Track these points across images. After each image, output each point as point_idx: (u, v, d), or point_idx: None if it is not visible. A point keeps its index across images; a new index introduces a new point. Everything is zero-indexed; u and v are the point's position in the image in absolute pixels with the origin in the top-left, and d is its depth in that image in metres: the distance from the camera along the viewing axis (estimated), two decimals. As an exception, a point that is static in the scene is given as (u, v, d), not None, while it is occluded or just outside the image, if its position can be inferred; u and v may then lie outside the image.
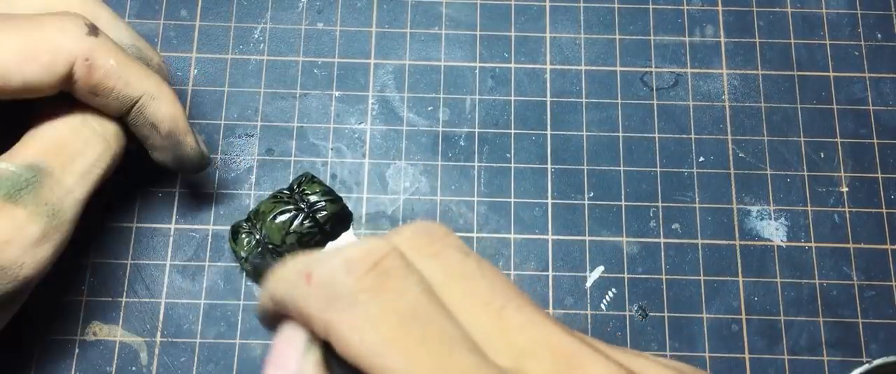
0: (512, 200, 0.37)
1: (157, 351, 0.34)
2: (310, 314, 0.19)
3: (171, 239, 0.36)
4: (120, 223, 0.36)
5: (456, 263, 0.19)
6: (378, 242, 0.19)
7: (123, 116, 0.29)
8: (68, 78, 0.27)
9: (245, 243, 0.34)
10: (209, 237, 0.36)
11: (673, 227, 0.37)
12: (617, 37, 0.40)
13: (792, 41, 0.40)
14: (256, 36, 0.40)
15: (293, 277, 0.19)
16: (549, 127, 0.38)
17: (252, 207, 0.37)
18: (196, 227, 0.36)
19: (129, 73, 0.28)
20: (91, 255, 0.36)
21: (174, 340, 0.35)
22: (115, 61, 0.28)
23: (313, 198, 0.34)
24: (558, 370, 0.17)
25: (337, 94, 0.39)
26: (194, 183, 0.37)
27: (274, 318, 0.21)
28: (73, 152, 0.28)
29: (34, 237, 0.27)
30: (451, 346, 0.17)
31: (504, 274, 0.20)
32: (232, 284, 0.36)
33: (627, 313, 0.36)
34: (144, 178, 0.37)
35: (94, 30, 0.28)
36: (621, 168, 0.38)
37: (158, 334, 0.35)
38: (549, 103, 0.39)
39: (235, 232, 0.34)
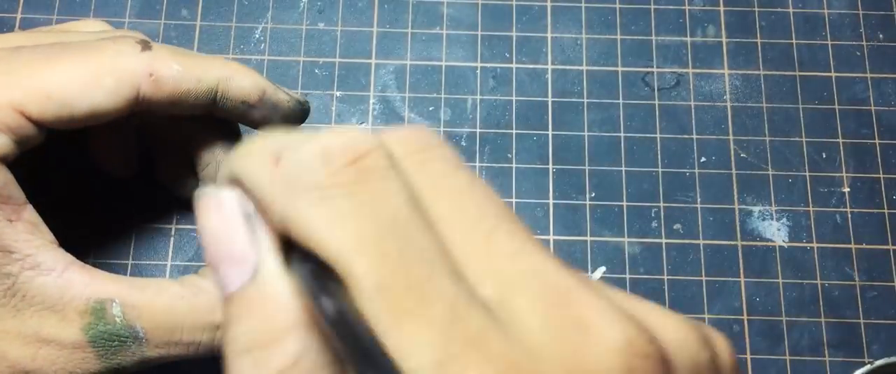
0: (513, 200, 0.37)
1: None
2: (271, 202, 0.17)
3: (172, 239, 0.36)
4: (120, 223, 0.36)
5: (446, 175, 0.17)
6: (362, 135, 0.17)
7: (210, 107, 0.29)
8: (136, 98, 0.27)
9: None
10: (210, 238, 0.36)
11: (674, 227, 0.37)
12: (618, 37, 0.40)
13: (794, 41, 0.40)
14: (257, 36, 0.39)
15: (259, 157, 0.17)
16: (550, 127, 0.38)
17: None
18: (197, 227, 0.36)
19: (196, 68, 0.28)
20: (91, 255, 0.35)
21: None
22: (178, 65, 0.28)
23: None
24: (548, 306, 0.15)
25: (338, 94, 0.39)
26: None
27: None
28: (176, 336, 0.27)
29: None
30: (430, 267, 0.15)
31: (498, 196, 0.18)
32: (233, 284, 0.36)
33: (629, 313, 0.36)
34: (145, 178, 0.37)
35: (147, 44, 0.28)
36: (623, 168, 0.38)
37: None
38: (550, 103, 0.39)
39: None
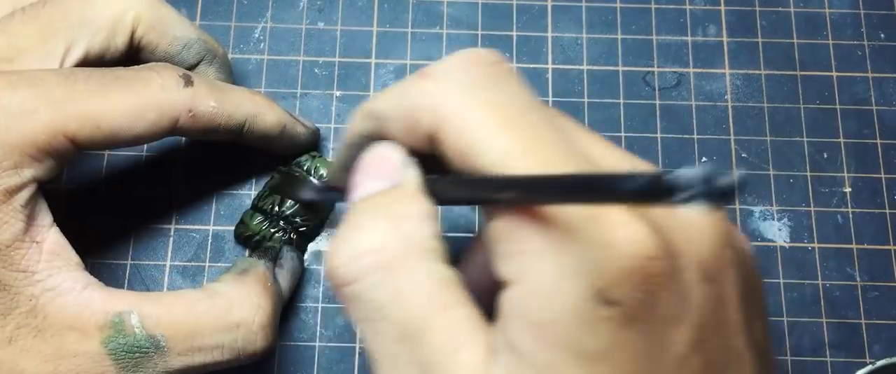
0: (514, 200, 0.37)
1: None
2: (421, 106, 0.21)
3: (171, 240, 0.36)
4: (120, 223, 0.36)
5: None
6: (484, 50, 0.22)
7: (236, 137, 0.32)
8: (173, 128, 0.29)
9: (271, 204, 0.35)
10: (209, 238, 0.36)
11: (675, 227, 0.37)
12: (619, 36, 0.40)
13: (795, 41, 0.40)
14: (257, 35, 0.39)
15: (404, 84, 0.22)
16: (551, 127, 0.38)
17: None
18: (196, 227, 0.36)
19: (229, 105, 0.31)
20: (90, 255, 0.35)
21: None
22: (215, 103, 0.30)
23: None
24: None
25: (338, 93, 0.39)
26: (194, 183, 0.37)
27: (357, 147, 0.24)
28: (198, 341, 0.27)
29: None
30: (567, 152, 0.19)
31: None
32: (232, 284, 0.35)
33: (630, 313, 0.35)
34: (146, 177, 0.37)
35: (189, 79, 0.30)
36: (623, 168, 0.38)
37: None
38: (550, 103, 0.39)
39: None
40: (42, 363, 0.26)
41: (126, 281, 0.35)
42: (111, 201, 0.36)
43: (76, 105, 0.27)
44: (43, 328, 0.26)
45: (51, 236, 0.27)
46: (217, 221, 0.36)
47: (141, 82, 0.28)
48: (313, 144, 0.36)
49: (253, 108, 0.32)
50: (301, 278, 0.35)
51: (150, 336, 0.27)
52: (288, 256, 0.34)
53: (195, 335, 0.27)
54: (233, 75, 0.36)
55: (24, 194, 0.26)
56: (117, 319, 0.27)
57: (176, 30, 0.32)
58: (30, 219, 0.26)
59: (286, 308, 0.34)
